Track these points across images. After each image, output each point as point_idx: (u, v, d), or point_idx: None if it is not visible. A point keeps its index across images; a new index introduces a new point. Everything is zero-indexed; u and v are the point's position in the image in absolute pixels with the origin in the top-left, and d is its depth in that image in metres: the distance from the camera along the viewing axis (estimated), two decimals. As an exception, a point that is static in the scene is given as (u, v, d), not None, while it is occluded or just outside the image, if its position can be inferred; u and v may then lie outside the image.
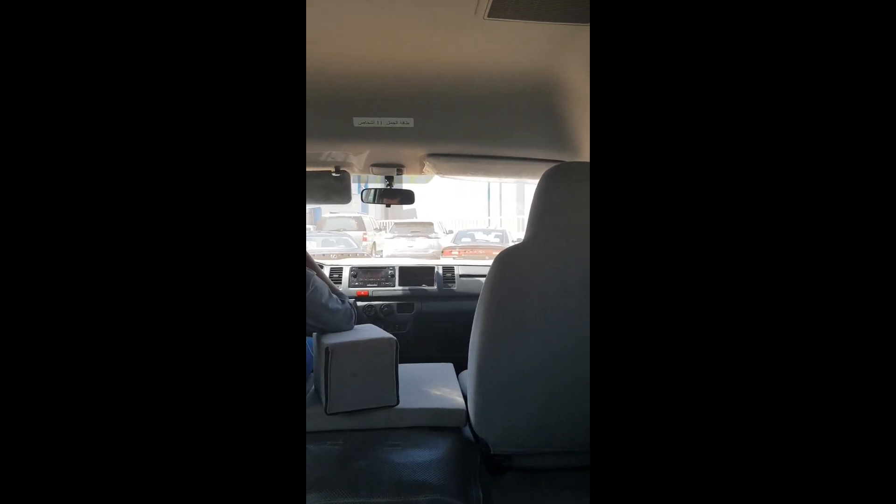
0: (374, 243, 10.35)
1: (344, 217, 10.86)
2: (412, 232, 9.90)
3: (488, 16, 0.89)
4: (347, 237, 9.15)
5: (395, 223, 11.19)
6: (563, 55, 1.09)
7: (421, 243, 9.03)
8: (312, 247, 7.65)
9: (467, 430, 1.21)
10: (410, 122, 1.33)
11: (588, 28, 0.95)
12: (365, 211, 13.30)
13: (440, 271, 2.15)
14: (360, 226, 10.74)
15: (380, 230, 11.86)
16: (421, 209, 15.18)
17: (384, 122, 1.33)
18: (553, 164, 1.10)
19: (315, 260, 1.49)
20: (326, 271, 2.08)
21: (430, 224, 10.68)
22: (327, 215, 10.99)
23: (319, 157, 1.52)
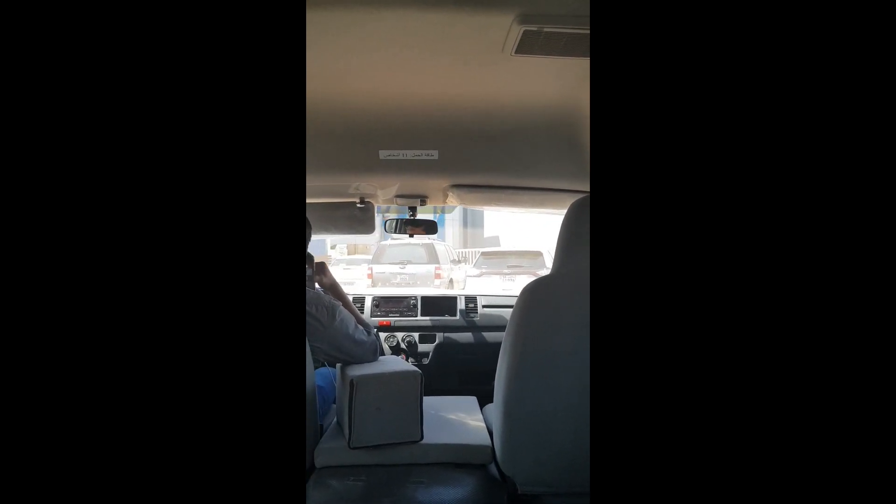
0: (452, 281, 7.76)
1: (410, 245, 7.82)
2: (510, 266, 7.00)
3: (515, 52, 0.91)
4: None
5: (483, 253, 7.96)
6: (588, 88, 1.10)
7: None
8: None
9: (493, 468, 1.17)
10: (435, 154, 1.35)
11: None
12: (440, 237, 9.80)
13: (462, 301, 2.16)
14: (432, 257, 7.81)
15: (459, 262, 8.94)
16: (509, 233, 11.33)
17: (409, 154, 1.35)
18: (578, 195, 1.09)
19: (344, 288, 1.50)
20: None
21: (538, 255, 7.10)
22: (387, 242, 8.17)
23: (346, 188, 1.54)
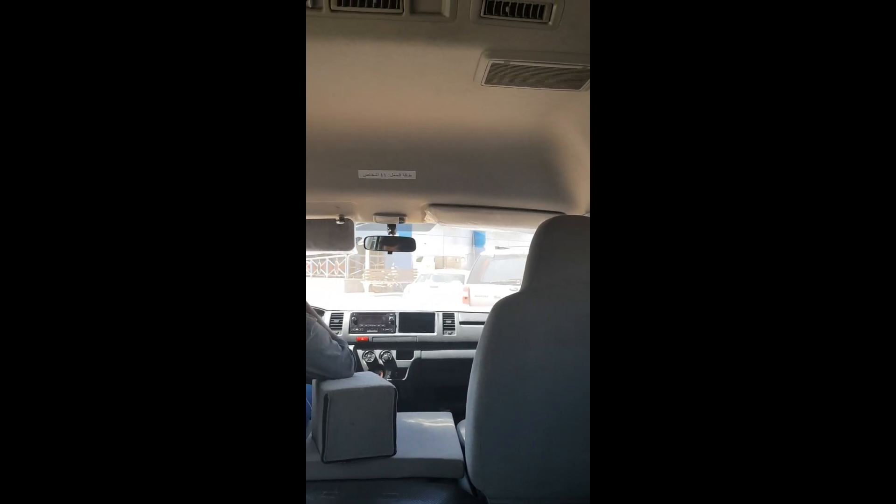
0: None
1: (524, 257, 5.11)
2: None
3: (485, 82, 0.96)
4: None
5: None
6: (558, 116, 1.16)
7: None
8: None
9: (465, 482, 1.19)
10: (413, 174, 1.39)
11: (578, 93, 1.01)
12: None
13: (440, 318, 2.18)
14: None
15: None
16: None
17: (388, 174, 1.38)
18: (549, 215, 1.14)
19: (314, 306, 1.52)
20: (327, 317, 2.10)
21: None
22: (490, 254, 6.18)
23: (326, 206, 1.57)
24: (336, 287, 11.21)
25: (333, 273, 13.27)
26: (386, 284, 11.66)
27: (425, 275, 9.64)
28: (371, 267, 12.99)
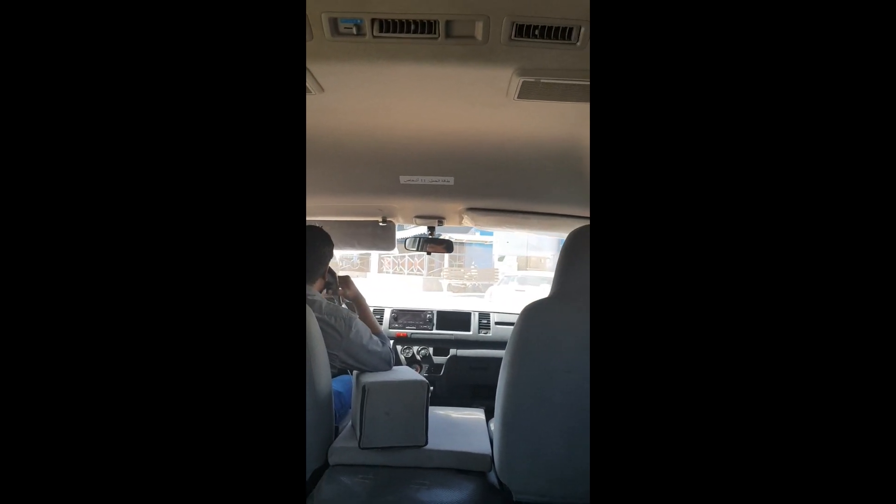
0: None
1: None
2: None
3: (518, 97, 1.00)
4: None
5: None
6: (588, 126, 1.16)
7: None
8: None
9: (492, 476, 1.24)
10: (451, 180, 1.45)
11: None
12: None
13: (476, 317, 2.24)
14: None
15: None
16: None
17: (427, 179, 1.46)
18: (581, 220, 1.14)
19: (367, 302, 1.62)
20: None
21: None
22: None
23: (369, 209, 1.68)
24: (414, 285, 11.36)
25: (412, 270, 13.49)
26: (465, 284, 11.53)
27: (508, 276, 9.32)
28: (450, 266, 12.90)
